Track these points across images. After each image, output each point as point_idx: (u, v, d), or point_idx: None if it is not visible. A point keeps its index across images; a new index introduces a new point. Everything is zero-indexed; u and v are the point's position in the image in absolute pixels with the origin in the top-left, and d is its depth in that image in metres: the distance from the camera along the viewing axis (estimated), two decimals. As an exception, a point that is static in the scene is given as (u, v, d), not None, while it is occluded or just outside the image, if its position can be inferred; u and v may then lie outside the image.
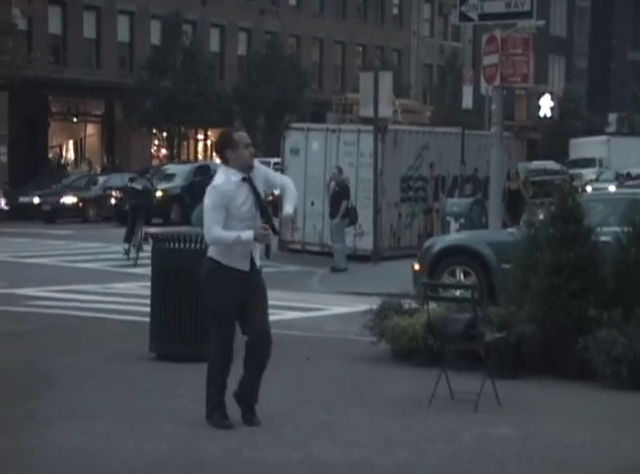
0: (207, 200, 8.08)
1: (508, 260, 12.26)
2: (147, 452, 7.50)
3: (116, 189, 34.55)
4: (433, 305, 10.25)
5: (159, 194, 33.22)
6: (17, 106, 40.45)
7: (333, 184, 22.26)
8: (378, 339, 11.18)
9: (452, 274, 14.72)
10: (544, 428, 8.53)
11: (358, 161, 23.99)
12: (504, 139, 19.32)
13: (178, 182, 35.21)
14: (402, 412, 8.95)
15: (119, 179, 35.47)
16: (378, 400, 9.38)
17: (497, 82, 17.23)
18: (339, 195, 21.86)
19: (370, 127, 23.22)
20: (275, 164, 31.23)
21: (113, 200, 34.69)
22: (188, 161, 47.45)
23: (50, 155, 45.16)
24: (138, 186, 22.75)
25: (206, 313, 8.60)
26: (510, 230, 14.63)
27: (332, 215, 22.05)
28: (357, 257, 23.04)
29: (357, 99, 25.69)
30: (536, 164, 44.09)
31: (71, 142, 47.15)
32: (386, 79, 23.44)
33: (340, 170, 22.35)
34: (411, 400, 9.34)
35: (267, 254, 8.44)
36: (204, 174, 30.94)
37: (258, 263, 8.32)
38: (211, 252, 8.19)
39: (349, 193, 22.05)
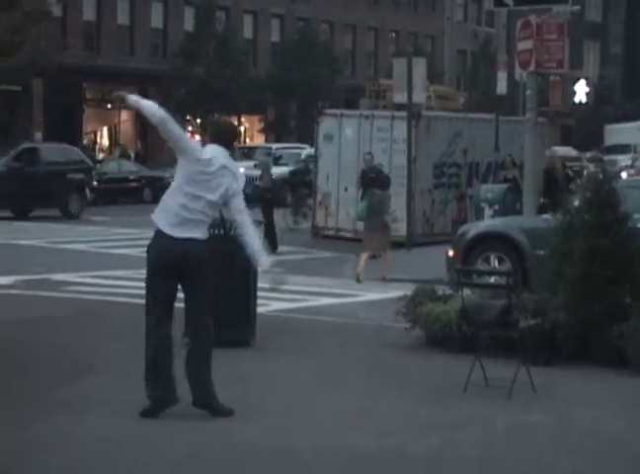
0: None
1: (542, 246, 12.21)
2: (179, 440, 7.53)
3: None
4: (467, 292, 10.23)
5: None
6: (52, 93, 40.67)
7: (367, 169, 22.20)
8: (412, 325, 11.17)
9: (486, 260, 14.67)
10: (578, 415, 8.50)
11: (391, 147, 23.94)
12: (538, 125, 19.22)
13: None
14: (436, 399, 8.95)
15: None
16: (412, 387, 9.37)
17: (531, 68, 17.12)
18: (372, 180, 21.76)
19: (404, 114, 23.15)
20: (309, 156, 32.07)
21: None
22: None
23: (85, 141, 45.34)
24: None
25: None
26: (544, 216, 14.56)
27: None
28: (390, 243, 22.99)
29: (390, 85, 25.61)
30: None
31: (105, 129, 47.34)
32: (420, 65, 23.36)
33: (371, 155, 22.31)
34: (445, 387, 9.33)
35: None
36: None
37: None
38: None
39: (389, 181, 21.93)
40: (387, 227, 18.48)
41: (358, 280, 17.39)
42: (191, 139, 8.05)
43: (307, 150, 38.36)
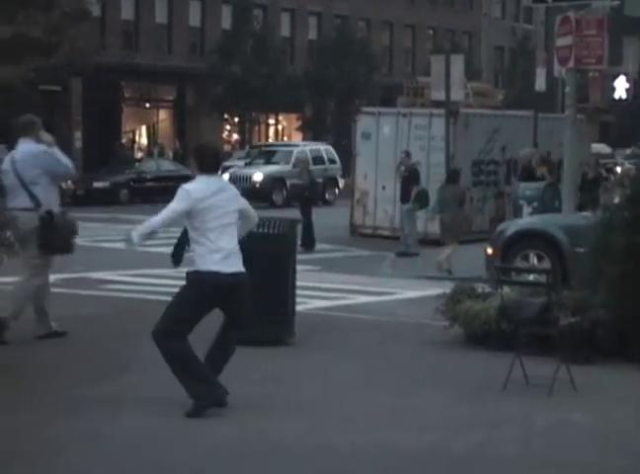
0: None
1: (581, 244, 12.15)
2: (219, 436, 7.56)
3: None
4: (506, 289, 10.19)
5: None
6: (91, 92, 40.91)
7: (402, 168, 22.17)
8: (451, 323, 11.14)
9: (525, 258, 14.61)
10: (619, 413, 8.45)
11: (429, 145, 23.89)
12: (577, 122, 19.11)
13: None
14: (475, 396, 8.92)
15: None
16: (451, 384, 9.35)
17: (571, 64, 17.00)
18: (409, 179, 21.77)
19: (442, 111, 23.09)
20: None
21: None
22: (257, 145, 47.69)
23: (124, 140, 45.58)
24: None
25: None
26: (584, 214, 14.48)
27: (403, 200, 21.97)
28: (428, 241, 22.96)
29: (428, 82, 25.56)
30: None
31: (144, 127, 47.57)
32: (458, 62, 23.30)
33: (408, 154, 22.25)
34: (484, 384, 9.30)
35: None
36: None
37: None
38: None
39: (419, 177, 21.95)
40: (457, 221, 18.66)
41: (450, 272, 17.54)
42: (175, 202, 8.07)
43: (300, 148, 38.71)
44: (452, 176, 19.62)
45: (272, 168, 36.83)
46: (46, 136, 10.77)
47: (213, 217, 8.02)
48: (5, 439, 7.39)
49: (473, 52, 57.24)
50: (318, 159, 37.50)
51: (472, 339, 11.00)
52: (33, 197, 10.48)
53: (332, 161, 39.15)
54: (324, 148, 40.07)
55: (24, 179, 10.47)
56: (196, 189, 8.08)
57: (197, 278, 8.05)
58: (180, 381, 8.09)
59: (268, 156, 38.60)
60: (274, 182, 35.95)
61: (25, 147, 10.65)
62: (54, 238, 10.53)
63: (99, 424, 7.76)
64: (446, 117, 22.81)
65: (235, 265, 8.11)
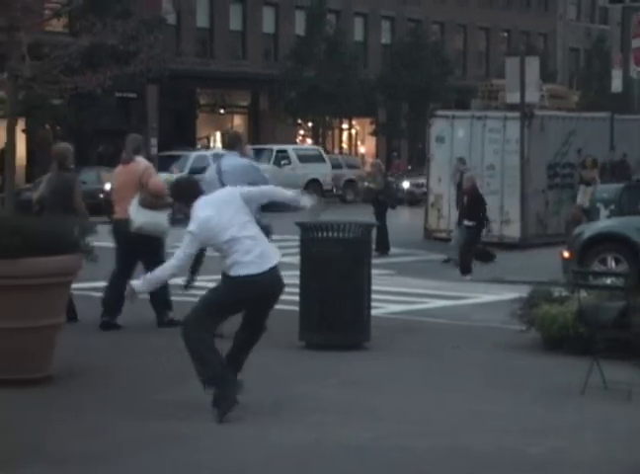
0: None
1: (661, 247, 11.99)
2: (297, 440, 7.59)
3: None
4: (583, 293, 10.10)
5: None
6: (166, 99, 41.35)
7: (458, 175, 21.98)
8: (528, 327, 11.06)
9: (603, 261, 14.47)
10: (701, 418, 8.33)
11: (503, 148, 23.76)
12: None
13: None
14: (553, 400, 8.86)
15: None
16: (528, 388, 9.30)
17: (647, 65, 16.81)
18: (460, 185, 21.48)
19: (517, 114, 22.97)
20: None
21: None
22: (329, 151, 47.83)
23: (198, 146, 45.97)
24: None
25: None
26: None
27: (458, 207, 21.76)
28: (503, 244, 22.85)
29: (502, 85, 25.44)
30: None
31: (218, 133, 47.94)
32: (533, 64, 23.16)
33: (462, 160, 22.09)
34: (562, 389, 9.23)
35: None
36: None
37: None
38: None
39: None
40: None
41: None
42: (189, 236, 8.10)
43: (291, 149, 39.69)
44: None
45: None
46: (249, 150, 11.74)
47: (230, 231, 8.07)
48: (79, 441, 7.51)
49: (548, 54, 56.78)
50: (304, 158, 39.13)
51: (549, 343, 10.92)
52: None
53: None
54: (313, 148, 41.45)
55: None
56: (200, 225, 8.07)
57: (235, 283, 8.13)
58: (197, 372, 8.20)
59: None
60: None
61: (231, 160, 11.35)
62: None
63: (174, 427, 7.85)
64: (521, 119, 22.68)
65: (269, 260, 8.18)
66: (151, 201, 11.54)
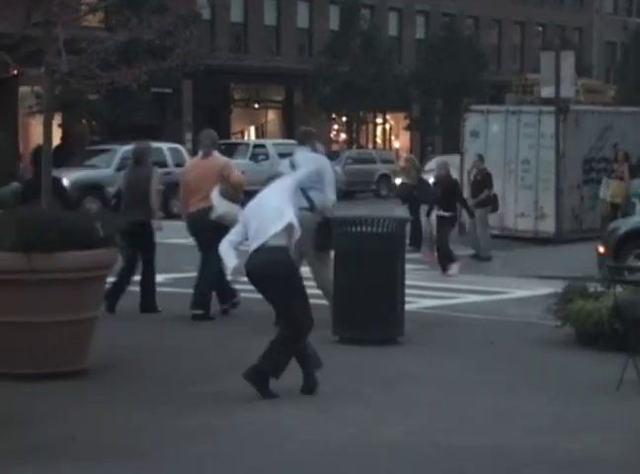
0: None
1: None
2: (333, 435, 7.61)
3: None
4: (618, 288, 10.06)
5: None
6: (200, 94, 41.47)
7: (475, 171, 21.83)
8: (563, 323, 11.03)
9: (639, 256, 14.38)
10: None
11: (538, 143, 23.63)
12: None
13: None
14: (588, 397, 8.83)
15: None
16: (564, 384, 9.27)
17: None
18: (481, 183, 21.34)
19: (552, 108, 22.85)
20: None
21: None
22: (364, 146, 47.76)
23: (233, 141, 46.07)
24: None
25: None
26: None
27: (474, 204, 21.57)
28: (538, 240, 22.76)
29: (537, 79, 25.30)
30: None
31: (252, 128, 48.02)
32: (568, 59, 23.04)
33: (481, 158, 21.94)
34: (597, 385, 9.20)
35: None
36: None
37: None
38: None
39: (491, 181, 21.54)
40: None
41: None
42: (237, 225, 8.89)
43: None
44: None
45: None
46: (319, 146, 12.19)
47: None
48: (114, 434, 7.56)
49: (584, 48, 56.42)
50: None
51: (584, 339, 10.88)
52: (309, 200, 11.50)
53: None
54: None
55: (304, 183, 11.35)
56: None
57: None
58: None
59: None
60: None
61: (304, 155, 11.79)
62: (330, 237, 11.36)
63: (218, 421, 7.87)
64: (556, 114, 22.57)
65: (258, 239, 8.60)
66: (232, 194, 11.81)
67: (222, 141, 33.51)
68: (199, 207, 12.11)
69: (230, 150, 32.17)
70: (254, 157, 35.26)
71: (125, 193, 12.67)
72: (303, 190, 11.18)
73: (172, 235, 17.49)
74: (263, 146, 36.47)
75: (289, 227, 8.54)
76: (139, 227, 11.97)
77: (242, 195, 11.81)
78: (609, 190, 23.06)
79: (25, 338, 8.95)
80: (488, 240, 21.00)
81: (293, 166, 11.49)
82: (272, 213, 8.52)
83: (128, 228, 11.00)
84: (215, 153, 12.51)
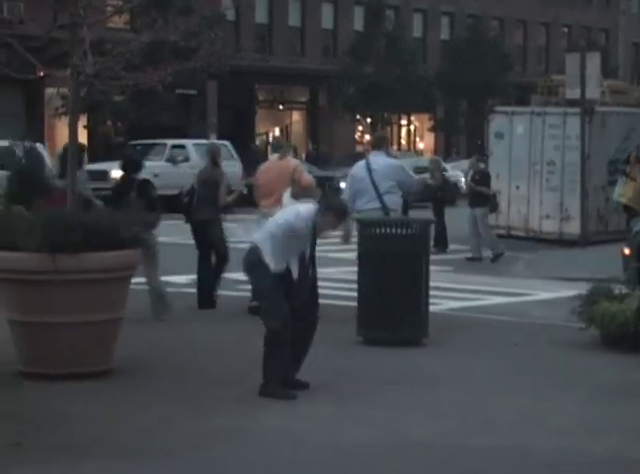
0: None
1: None
2: (355, 436, 7.61)
3: None
4: (644, 291, 10.03)
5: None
6: (225, 95, 41.56)
7: (472, 172, 21.78)
8: (587, 325, 10.99)
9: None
10: None
11: (563, 144, 23.55)
12: None
13: None
14: (612, 399, 8.80)
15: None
16: (588, 386, 9.24)
17: None
18: (480, 183, 21.25)
19: (577, 110, 22.76)
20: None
21: None
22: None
23: (257, 142, 46.12)
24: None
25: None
26: None
27: (472, 205, 21.52)
28: (563, 241, 22.68)
29: (562, 80, 25.20)
30: None
31: (277, 129, 48.08)
32: (594, 60, 22.92)
33: (479, 158, 21.92)
34: (622, 387, 9.17)
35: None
36: None
37: None
38: None
39: (489, 181, 21.48)
40: None
41: None
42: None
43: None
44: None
45: None
46: (393, 151, 12.26)
47: None
48: (138, 435, 7.59)
49: (610, 50, 56.20)
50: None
51: (608, 341, 10.84)
52: (383, 204, 11.94)
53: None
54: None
55: (379, 188, 12.01)
56: None
57: None
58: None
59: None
60: None
61: (380, 160, 12.25)
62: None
63: (238, 422, 7.89)
64: (582, 115, 22.48)
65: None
66: (303, 196, 11.99)
67: (137, 142, 32.52)
68: (268, 211, 12.24)
69: (145, 151, 30.47)
70: (171, 159, 32.49)
71: (198, 191, 13.20)
72: (379, 194, 11.88)
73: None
74: (182, 147, 33.33)
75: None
76: (207, 225, 12.70)
77: (313, 197, 12.01)
78: (619, 189, 22.91)
79: (50, 338, 9.00)
80: (493, 236, 21.04)
81: (370, 170, 11.99)
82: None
83: (198, 227, 12.00)
84: (289, 157, 12.86)
